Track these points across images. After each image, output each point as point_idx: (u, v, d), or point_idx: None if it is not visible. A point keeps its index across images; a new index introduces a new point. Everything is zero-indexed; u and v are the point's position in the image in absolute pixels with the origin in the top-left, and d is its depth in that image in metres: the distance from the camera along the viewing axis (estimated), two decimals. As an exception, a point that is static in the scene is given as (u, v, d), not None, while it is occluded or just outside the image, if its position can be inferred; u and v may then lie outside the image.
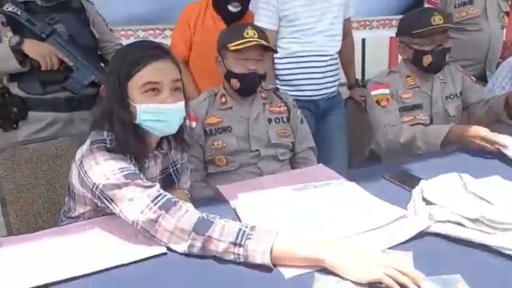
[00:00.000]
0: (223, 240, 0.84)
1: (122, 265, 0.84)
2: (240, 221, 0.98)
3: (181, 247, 0.86)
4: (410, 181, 1.13)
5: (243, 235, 0.83)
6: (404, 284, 0.74)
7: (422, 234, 0.92)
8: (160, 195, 0.90)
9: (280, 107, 1.53)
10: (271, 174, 1.36)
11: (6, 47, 1.41)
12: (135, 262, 0.85)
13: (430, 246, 0.89)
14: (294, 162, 1.56)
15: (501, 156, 1.31)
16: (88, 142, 0.98)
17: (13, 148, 1.31)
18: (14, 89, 1.50)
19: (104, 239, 0.93)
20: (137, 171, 0.95)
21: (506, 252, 0.85)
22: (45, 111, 1.51)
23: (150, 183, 0.93)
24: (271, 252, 0.81)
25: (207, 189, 1.37)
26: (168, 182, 1.15)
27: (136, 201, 0.89)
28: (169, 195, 0.91)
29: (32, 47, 1.43)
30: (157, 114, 0.98)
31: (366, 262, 0.78)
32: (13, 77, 1.50)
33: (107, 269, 0.83)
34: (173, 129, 1.04)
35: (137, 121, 0.99)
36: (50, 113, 1.52)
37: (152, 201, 0.89)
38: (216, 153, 1.42)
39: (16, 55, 1.41)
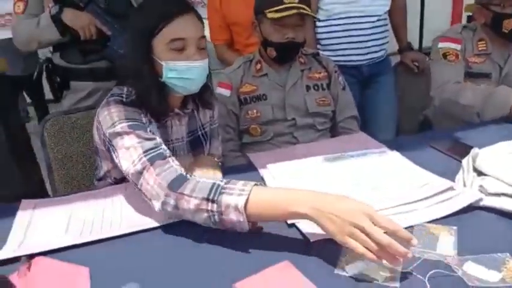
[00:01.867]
0: (195, 196, 0.76)
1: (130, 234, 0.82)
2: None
3: (157, 204, 0.80)
4: (460, 150, 1.01)
5: (216, 189, 0.76)
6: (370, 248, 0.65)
7: (471, 208, 0.82)
8: (154, 148, 0.86)
9: (320, 73, 1.43)
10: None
11: (48, 17, 1.44)
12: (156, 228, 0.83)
13: (480, 222, 0.79)
14: (334, 132, 1.47)
15: None
16: (108, 97, 0.97)
17: (57, 117, 1.36)
18: (57, 59, 1.54)
19: (121, 206, 0.92)
20: (145, 125, 0.91)
21: None
22: (86, 80, 1.54)
23: (151, 136, 0.88)
24: (246, 206, 0.73)
25: (241, 158, 1.33)
26: (196, 145, 1.12)
27: (131, 151, 0.85)
28: (163, 150, 0.86)
29: (70, 17, 1.45)
30: (184, 71, 0.95)
31: (342, 221, 0.67)
32: (56, 47, 1.54)
33: (116, 237, 0.81)
34: (197, 87, 0.99)
35: (163, 78, 0.95)
36: (91, 83, 1.54)
37: (144, 152, 0.84)
38: (250, 123, 1.37)
39: (56, 25, 1.43)
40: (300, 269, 0.69)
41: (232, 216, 0.74)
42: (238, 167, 1.12)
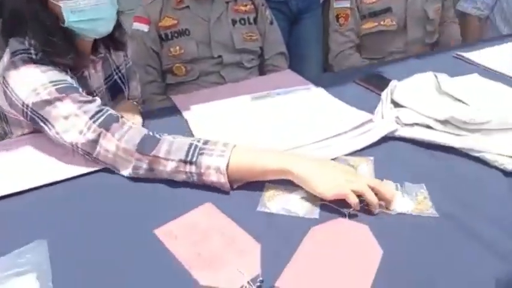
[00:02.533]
0: (171, 158, 0.73)
1: (56, 182, 0.76)
2: (191, 134, 0.89)
3: (126, 171, 0.75)
4: (381, 84, 1.02)
5: (194, 150, 0.73)
6: (370, 203, 0.66)
7: (387, 139, 0.85)
8: (100, 111, 0.78)
9: (246, 5, 1.36)
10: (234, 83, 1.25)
11: None
12: (69, 179, 0.77)
13: (395, 151, 0.82)
14: (262, 70, 1.44)
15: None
16: (8, 53, 0.83)
17: None
18: None
19: (37, 156, 0.84)
20: (74, 84, 0.81)
21: (476, 154, 0.78)
22: None
23: (89, 98, 0.79)
24: (227, 168, 0.71)
25: (165, 102, 1.26)
26: (116, 90, 1.03)
27: (73, 120, 0.76)
28: (111, 111, 0.79)
29: None
30: (90, 12, 0.82)
31: (334, 176, 0.68)
32: None
33: (39, 187, 0.75)
34: (110, 27, 0.88)
35: (65, 24, 0.82)
36: None
37: (91, 118, 0.76)
38: (173, 61, 1.29)
39: None
40: (222, 209, 0.68)
41: (213, 177, 0.71)
42: (161, 111, 1.05)
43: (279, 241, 0.62)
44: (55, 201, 0.72)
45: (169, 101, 1.19)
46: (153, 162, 0.74)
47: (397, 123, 0.86)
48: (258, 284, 0.55)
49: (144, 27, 1.26)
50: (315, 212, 0.67)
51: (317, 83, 1.10)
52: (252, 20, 1.36)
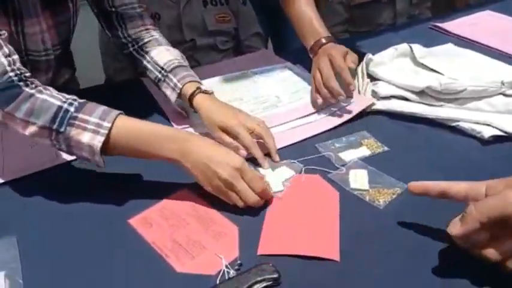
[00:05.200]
0: (32, 121, 0.60)
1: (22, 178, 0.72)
2: (169, 121, 0.87)
3: None
4: (356, 58, 1.01)
5: (63, 117, 0.60)
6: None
7: (365, 113, 0.84)
8: None
9: (217, -14, 1.31)
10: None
11: None
12: (36, 173, 0.73)
13: (374, 125, 0.82)
14: (239, 52, 1.40)
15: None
16: None
17: None
18: None
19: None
20: None
21: (452, 124, 0.78)
22: None
23: None
24: (103, 149, 0.61)
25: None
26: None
27: None
28: None
29: None
30: None
31: (213, 173, 0.62)
32: None
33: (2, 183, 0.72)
34: None
35: None
36: None
37: None
38: (145, 46, 1.24)
39: None
40: (197, 194, 0.66)
41: (85, 154, 0.62)
42: (131, 95, 1.01)
43: (256, 221, 0.61)
44: (22, 196, 0.69)
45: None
46: (7, 119, 0.62)
47: (374, 97, 0.85)
48: (237, 267, 0.54)
49: (112, 13, 1.21)
50: (279, 185, 0.67)
51: (294, 60, 1.07)
52: (223, 1, 1.32)
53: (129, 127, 0.63)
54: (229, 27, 1.33)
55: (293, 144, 0.77)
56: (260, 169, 0.71)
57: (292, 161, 0.72)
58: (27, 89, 0.62)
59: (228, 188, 0.62)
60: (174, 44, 1.25)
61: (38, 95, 0.62)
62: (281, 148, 0.75)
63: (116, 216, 0.63)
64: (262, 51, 1.25)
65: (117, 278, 0.54)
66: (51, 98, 0.62)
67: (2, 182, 0.71)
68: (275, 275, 0.51)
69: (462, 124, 0.76)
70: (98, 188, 0.70)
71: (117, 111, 0.63)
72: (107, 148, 0.62)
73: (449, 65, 0.88)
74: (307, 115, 0.85)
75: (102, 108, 0.63)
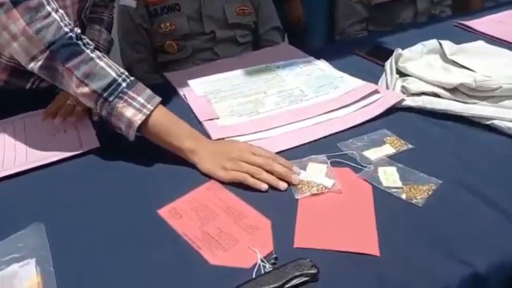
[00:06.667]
0: (86, 82, 0.65)
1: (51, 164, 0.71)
2: (191, 110, 0.85)
3: (24, 60, 0.65)
4: (383, 54, 0.99)
5: (115, 89, 0.65)
6: (266, 181, 0.63)
7: (394, 110, 0.82)
8: None
9: (237, -22, 1.30)
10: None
11: None
12: (64, 160, 0.72)
13: (403, 122, 0.79)
14: (257, 46, 1.38)
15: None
16: None
17: None
18: None
19: (28, 137, 0.79)
20: None
21: (486, 122, 0.76)
22: None
23: None
24: (140, 127, 0.66)
25: (159, 81, 1.20)
26: None
27: None
28: None
29: None
30: None
31: (225, 157, 0.66)
32: None
33: (32, 169, 0.70)
34: None
35: None
36: None
37: None
38: (165, 38, 1.23)
39: None
40: (227, 188, 0.65)
41: (122, 125, 0.67)
42: (156, 88, 1.00)
43: (288, 215, 0.59)
44: (51, 183, 0.68)
45: (163, 80, 1.14)
46: (65, 72, 0.65)
47: (403, 93, 0.83)
48: (272, 261, 0.52)
49: (132, 3, 1.20)
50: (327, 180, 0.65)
51: (317, 55, 1.06)
52: (244, -7, 1.31)
53: (165, 115, 0.69)
54: (249, 20, 1.32)
55: (315, 141, 0.75)
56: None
57: (314, 156, 0.70)
58: (88, 51, 0.66)
59: (239, 166, 0.64)
60: (194, 35, 1.24)
61: (98, 61, 0.66)
62: (304, 144, 0.74)
63: (145, 205, 0.62)
64: (283, 45, 1.23)
65: (149, 267, 0.53)
66: (109, 67, 0.67)
67: (29, 168, 0.70)
68: (314, 270, 0.49)
69: (497, 122, 0.74)
70: (126, 176, 0.69)
71: (159, 98, 0.69)
72: (141, 126, 0.67)
73: (482, 62, 0.85)
74: (334, 110, 0.83)
75: (148, 91, 0.69)
